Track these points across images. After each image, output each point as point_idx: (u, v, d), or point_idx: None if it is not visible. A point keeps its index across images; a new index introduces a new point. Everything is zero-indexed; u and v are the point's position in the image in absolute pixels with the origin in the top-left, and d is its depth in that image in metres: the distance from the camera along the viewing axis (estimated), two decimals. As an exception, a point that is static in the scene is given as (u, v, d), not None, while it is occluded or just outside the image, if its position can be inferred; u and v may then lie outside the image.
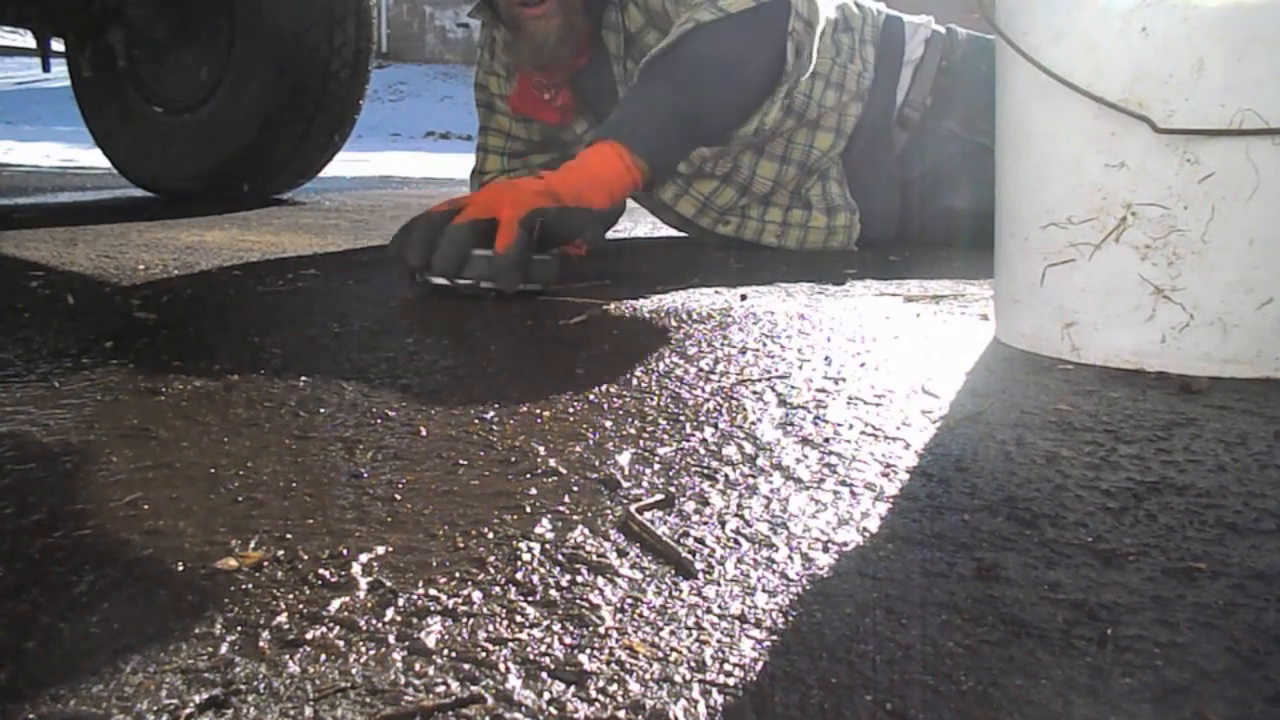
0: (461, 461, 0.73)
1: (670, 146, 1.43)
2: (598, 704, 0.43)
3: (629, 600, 0.53)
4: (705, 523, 0.63)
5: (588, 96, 1.78)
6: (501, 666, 0.46)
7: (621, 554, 0.58)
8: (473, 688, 0.44)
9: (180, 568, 0.55)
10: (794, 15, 1.48)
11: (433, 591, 0.53)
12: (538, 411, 0.84)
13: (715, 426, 0.81)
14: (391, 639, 0.48)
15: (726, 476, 0.70)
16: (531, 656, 0.47)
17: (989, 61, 1.94)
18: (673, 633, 0.49)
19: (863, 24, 1.85)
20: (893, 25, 1.89)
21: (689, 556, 0.57)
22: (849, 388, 0.93)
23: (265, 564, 0.56)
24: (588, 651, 0.48)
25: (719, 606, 0.52)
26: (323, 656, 0.47)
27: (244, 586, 0.53)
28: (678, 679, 0.45)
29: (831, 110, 1.78)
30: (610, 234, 2.15)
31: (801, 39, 1.49)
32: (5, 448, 0.73)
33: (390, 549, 0.58)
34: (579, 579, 0.55)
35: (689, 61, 1.40)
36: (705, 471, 0.71)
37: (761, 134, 1.56)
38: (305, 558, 0.57)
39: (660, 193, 1.85)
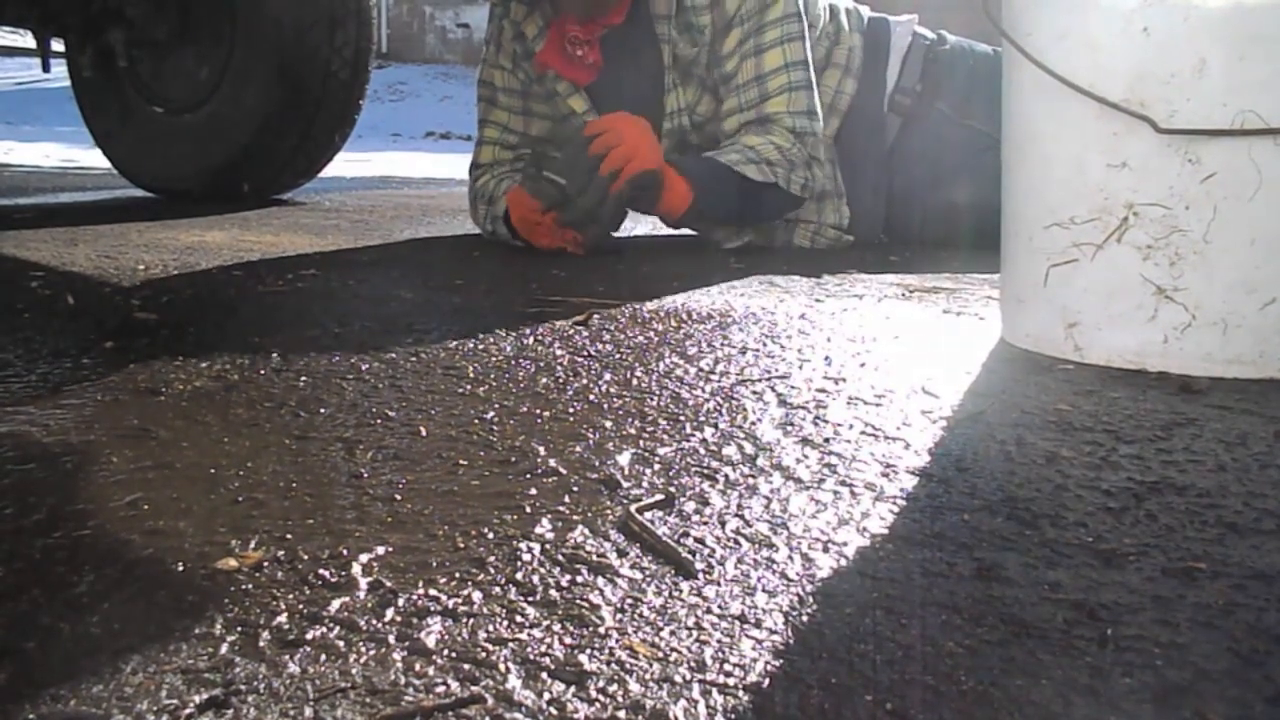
0: (461, 461, 0.73)
1: (705, 214, 1.79)
2: (598, 704, 0.43)
3: (629, 600, 0.53)
4: (705, 523, 0.62)
5: (615, 55, 1.81)
6: (501, 666, 0.46)
7: (621, 554, 0.58)
8: (473, 688, 0.44)
9: (180, 568, 0.55)
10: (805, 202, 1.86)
11: (433, 591, 0.53)
12: (538, 411, 0.84)
13: (715, 426, 0.81)
14: (391, 639, 0.48)
15: (726, 476, 0.70)
16: (531, 656, 0.47)
17: (976, 58, 1.99)
18: (673, 633, 0.49)
19: (847, 16, 1.97)
20: (877, 20, 2.02)
21: (689, 556, 0.57)
22: (849, 388, 0.93)
23: (265, 564, 0.56)
24: (588, 651, 0.48)
25: (719, 606, 0.52)
26: (323, 656, 0.47)
27: (244, 586, 0.53)
28: (678, 679, 0.45)
29: (828, 89, 1.91)
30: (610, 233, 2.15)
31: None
32: (5, 448, 0.73)
33: (390, 549, 0.58)
34: (579, 579, 0.55)
35: (753, 195, 1.75)
36: (705, 471, 0.71)
37: (721, 245, 1.91)
38: (305, 558, 0.57)
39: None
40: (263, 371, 0.95)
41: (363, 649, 0.47)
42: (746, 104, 1.76)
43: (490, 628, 0.50)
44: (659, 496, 0.66)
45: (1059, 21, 1.00)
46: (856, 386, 0.93)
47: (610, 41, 1.80)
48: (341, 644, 0.48)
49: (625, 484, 0.69)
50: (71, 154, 4.81)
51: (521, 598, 0.53)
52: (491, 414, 0.84)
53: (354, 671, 0.46)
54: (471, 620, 0.50)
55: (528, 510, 0.64)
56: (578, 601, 0.52)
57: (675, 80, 1.80)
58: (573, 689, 0.44)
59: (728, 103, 1.78)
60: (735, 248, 1.85)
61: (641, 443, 0.77)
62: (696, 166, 1.71)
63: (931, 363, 1.02)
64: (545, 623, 0.50)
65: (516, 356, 1.02)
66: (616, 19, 1.77)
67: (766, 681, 0.45)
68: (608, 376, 0.96)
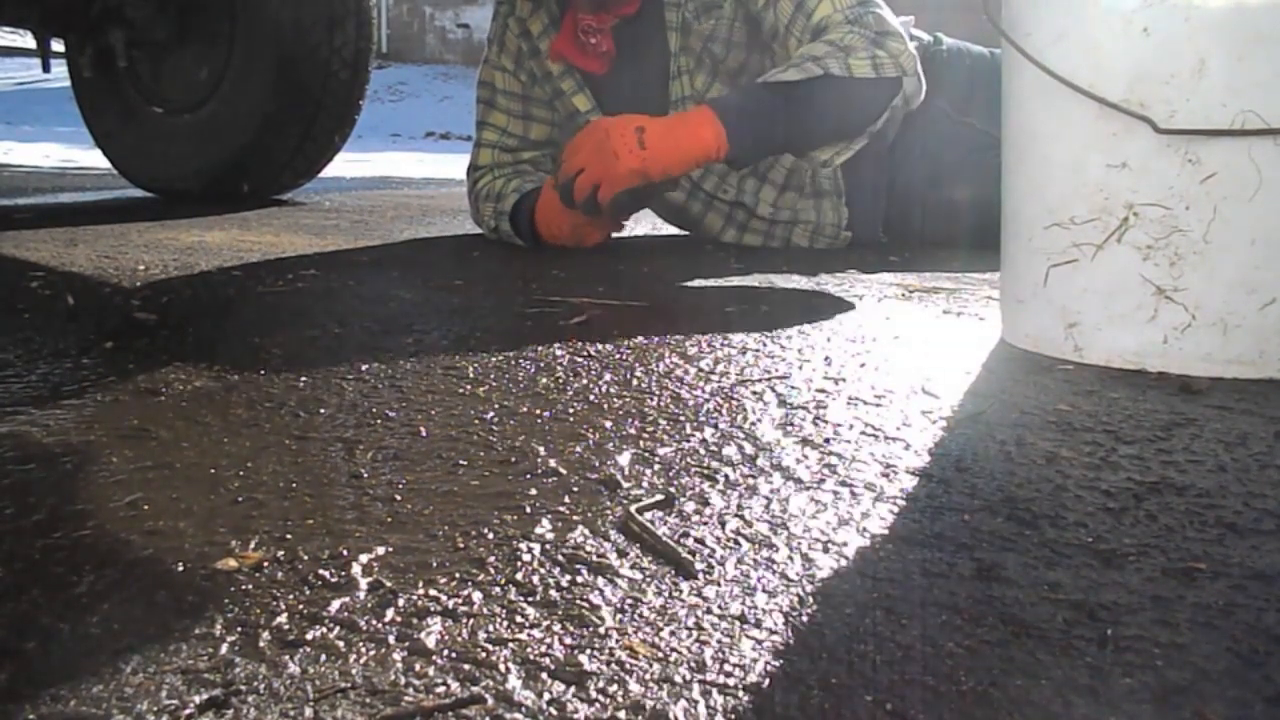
0: (461, 461, 0.73)
1: (758, 143, 1.63)
2: (598, 704, 0.43)
3: (629, 601, 0.53)
4: (705, 523, 0.63)
5: (625, 48, 1.82)
6: (501, 666, 0.46)
7: (621, 554, 0.58)
8: (473, 688, 0.44)
9: (180, 568, 0.55)
10: (901, 94, 1.66)
11: (433, 591, 0.53)
12: (538, 412, 0.84)
13: (715, 426, 0.81)
14: (391, 639, 0.48)
15: (726, 476, 0.70)
16: (531, 656, 0.47)
17: (974, 58, 1.99)
18: (673, 633, 0.49)
19: None
20: None
21: (689, 557, 0.57)
22: (849, 388, 0.93)
23: (265, 564, 0.56)
24: (588, 652, 0.48)
25: (719, 607, 0.52)
26: (323, 657, 0.47)
27: (244, 586, 0.53)
28: (678, 679, 0.45)
29: None
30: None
31: (896, 112, 1.71)
32: (5, 448, 0.73)
33: (390, 549, 0.58)
34: (579, 579, 0.55)
35: (805, 101, 1.61)
36: (705, 471, 0.71)
37: (831, 164, 1.77)
38: (305, 558, 0.57)
39: None
40: (263, 371, 0.95)
41: (363, 649, 0.47)
42: (801, 34, 1.68)
43: (490, 628, 0.50)
44: (659, 497, 0.66)
45: (1058, 22, 1.00)
46: (856, 386, 0.93)
47: (620, 34, 1.80)
48: (341, 644, 0.48)
49: (625, 484, 0.69)
50: (71, 154, 4.81)
51: (521, 598, 0.53)
52: (491, 414, 0.84)
53: (354, 671, 0.46)
54: (471, 620, 0.50)
55: (528, 510, 0.64)
56: (578, 602, 0.52)
57: (683, 66, 1.79)
58: (573, 689, 0.44)
59: (789, 47, 1.71)
60: (841, 161, 1.73)
61: (641, 443, 0.77)
62: (724, 101, 1.61)
63: (931, 363, 1.02)
64: (545, 623, 0.50)
65: (516, 356, 1.02)
66: (629, 9, 1.77)
67: (766, 682, 0.45)
68: (608, 376, 0.96)
